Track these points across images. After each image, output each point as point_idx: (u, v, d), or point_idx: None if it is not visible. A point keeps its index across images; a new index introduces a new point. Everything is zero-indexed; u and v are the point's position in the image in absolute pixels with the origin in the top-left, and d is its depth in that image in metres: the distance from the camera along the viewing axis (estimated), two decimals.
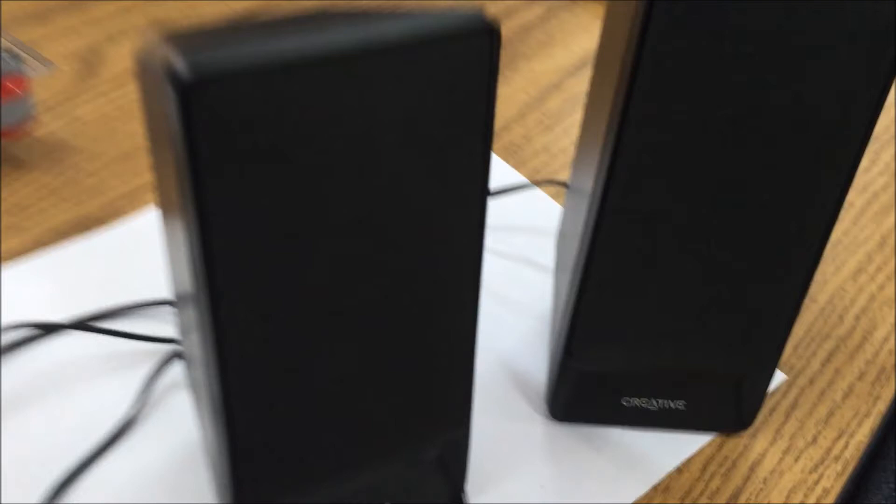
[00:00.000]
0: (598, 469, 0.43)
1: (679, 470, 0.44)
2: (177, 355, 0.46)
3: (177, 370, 0.46)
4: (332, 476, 0.36)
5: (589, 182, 0.39)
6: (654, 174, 0.36)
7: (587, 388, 0.44)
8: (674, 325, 0.41)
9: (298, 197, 0.28)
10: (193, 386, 0.41)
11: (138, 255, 0.52)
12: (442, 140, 0.29)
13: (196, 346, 0.34)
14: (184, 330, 0.40)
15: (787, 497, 0.43)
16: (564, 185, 0.59)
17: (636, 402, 0.44)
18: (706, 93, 0.33)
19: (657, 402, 0.44)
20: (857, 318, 0.53)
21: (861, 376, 0.50)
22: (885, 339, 0.52)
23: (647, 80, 0.33)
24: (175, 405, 0.45)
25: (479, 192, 0.31)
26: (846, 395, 0.48)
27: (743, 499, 0.43)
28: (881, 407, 0.48)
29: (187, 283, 0.31)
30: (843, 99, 0.33)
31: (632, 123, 0.34)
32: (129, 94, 0.63)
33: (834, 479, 0.44)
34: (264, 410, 0.32)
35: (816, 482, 0.44)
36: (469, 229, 0.32)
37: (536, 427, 0.45)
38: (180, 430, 0.44)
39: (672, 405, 0.44)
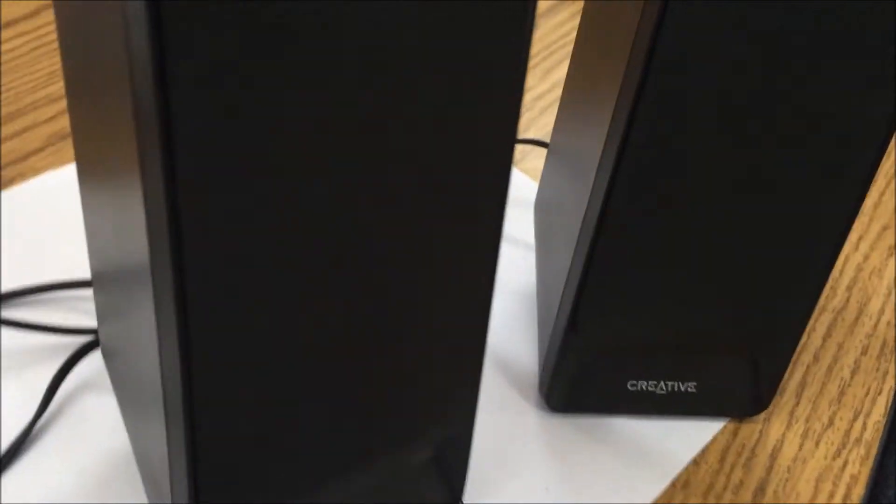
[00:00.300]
0: (607, 466, 0.37)
1: (696, 462, 0.38)
2: (90, 348, 0.37)
3: (91, 367, 0.37)
4: (312, 487, 0.28)
5: (589, 148, 0.33)
6: (672, 143, 0.31)
7: (589, 371, 0.38)
8: (688, 295, 0.35)
9: (291, 119, 0.20)
10: (122, 384, 0.32)
11: (33, 230, 0.43)
12: (471, 78, 0.22)
13: (136, 333, 0.26)
14: (107, 316, 0.31)
15: (816, 487, 0.38)
16: (534, 142, 0.53)
17: (643, 385, 0.38)
18: (726, 66, 0.29)
19: (666, 384, 0.38)
20: (849, 289, 0.49)
21: (865, 351, 0.45)
22: (881, 311, 0.48)
23: (666, 52, 0.29)
24: (89, 411, 0.36)
25: (507, 146, 0.24)
26: (854, 372, 0.44)
27: (770, 491, 0.38)
28: (891, 383, 0.44)
29: (131, 250, 0.23)
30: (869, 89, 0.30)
31: (649, 94, 0.30)
32: (15, 45, 0.53)
33: (860, 464, 0.39)
34: (234, 406, 0.24)
35: (843, 469, 0.39)
36: (493, 180, 0.25)
37: (530, 420, 0.38)
38: (97, 441, 0.35)
39: (682, 388, 0.39)
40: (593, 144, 0.33)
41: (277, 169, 0.21)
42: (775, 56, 0.29)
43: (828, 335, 0.46)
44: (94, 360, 0.38)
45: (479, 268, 0.27)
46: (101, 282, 0.31)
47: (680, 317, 0.36)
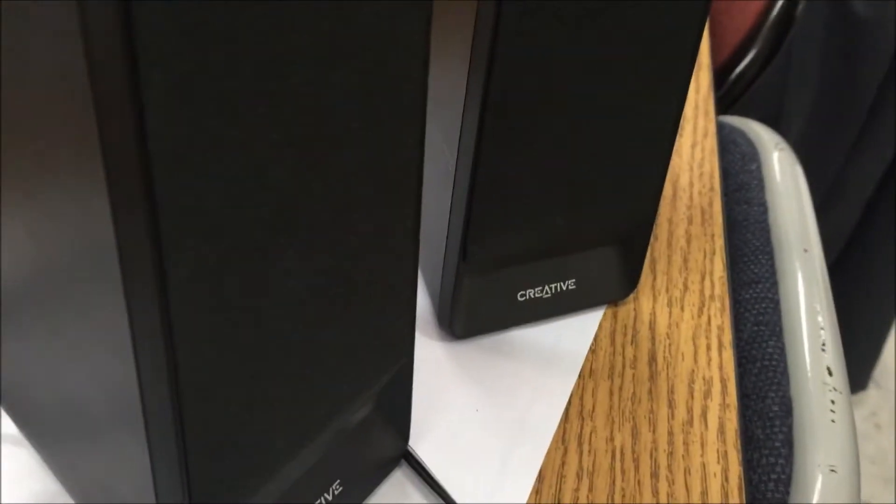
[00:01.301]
0: (521, 375, 0.39)
1: (592, 350, 0.41)
2: None
3: None
4: (286, 454, 0.28)
5: (450, 93, 0.35)
6: (530, 73, 0.33)
7: (484, 292, 0.39)
8: (560, 203, 0.38)
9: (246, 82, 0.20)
10: (40, 418, 0.30)
11: None
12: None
13: (78, 346, 0.24)
14: (7, 349, 0.29)
15: (694, 344, 0.42)
16: None
17: (531, 293, 0.41)
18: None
19: (550, 287, 0.41)
20: None
21: (690, 220, 0.50)
22: (690, 184, 0.53)
23: None
24: None
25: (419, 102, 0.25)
26: (688, 240, 0.49)
27: (660, 358, 0.41)
28: (720, 242, 0.49)
29: (73, 247, 0.21)
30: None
31: (504, 35, 0.32)
32: None
33: (721, 315, 0.44)
34: (218, 388, 0.24)
35: (708, 323, 0.44)
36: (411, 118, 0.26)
37: (438, 353, 0.40)
38: (10, 496, 0.32)
39: (563, 287, 0.41)
40: (453, 89, 0.35)
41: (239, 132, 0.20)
42: None
43: (658, 214, 0.50)
44: None
45: (405, 208, 0.28)
46: None
47: (555, 224, 0.39)
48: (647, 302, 0.44)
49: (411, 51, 0.24)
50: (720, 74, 0.80)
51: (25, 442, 0.34)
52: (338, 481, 0.32)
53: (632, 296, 0.44)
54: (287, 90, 0.21)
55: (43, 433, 0.30)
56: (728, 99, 0.80)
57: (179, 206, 0.20)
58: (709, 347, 0.42)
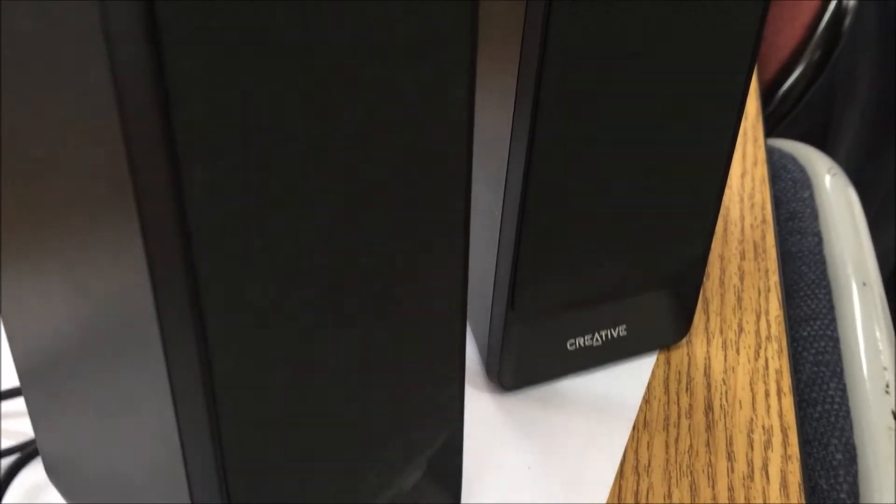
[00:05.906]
0: (573, 428, 0.38)
1: (646, 400, 0.40)
2: (19, 467, 0.33)
3: (23, 489, 0.34)
4: None
5: (494, 146, 0.34)
6: (574, 125, 0.32)
7: (533, 342, 0.38)
8: (608, 250, 0.37)
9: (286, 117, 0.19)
10: (91, 491, 0.29)
11: None
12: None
13: (129, 416, 0.23)
14: (57, 417, 0.28)
15: (752, 390, 0.41)
16: None
17: (581, 341, 0.40)
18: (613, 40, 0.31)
19: (601, 335, 0.40)
20: None
21: (743, 256, 0.49)
22: (741, 217, 0.52)
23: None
24: None
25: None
26: (741, 277, 0.47)
27: (717, 406, 0.40)
28: (775, 278, 0.48)
29: (114, 317, 0.21)
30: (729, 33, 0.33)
31: (548, 83, 0.31)
32: None
33: (778, 358, 0.43)
34: (265, 460, 0.23)
35: (766, 367, 0.42)
36: (455, 189, 0.25)
37: (488, 406, 0.39)
38: None
39: (614, 334, 0.40)
40: (497, 136, 0.34)
41: (279, 182, 0.20)
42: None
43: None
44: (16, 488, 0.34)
45: (452, 260, 0.27)
46: (40, 382, 0.28)
47: (604, 268, 0.38)
48: (701, 345, 0.43)
49: (454, 106, 0.23)
50: (766, 92, 0.79)
51: None
52: None
53: (685, 339, 0.43)
54: (328, 164, 0.20)
55: None
56: (775, 117, 0.78)
57: (222, 288, 0.19)
58: (767, 394, 0.41)
